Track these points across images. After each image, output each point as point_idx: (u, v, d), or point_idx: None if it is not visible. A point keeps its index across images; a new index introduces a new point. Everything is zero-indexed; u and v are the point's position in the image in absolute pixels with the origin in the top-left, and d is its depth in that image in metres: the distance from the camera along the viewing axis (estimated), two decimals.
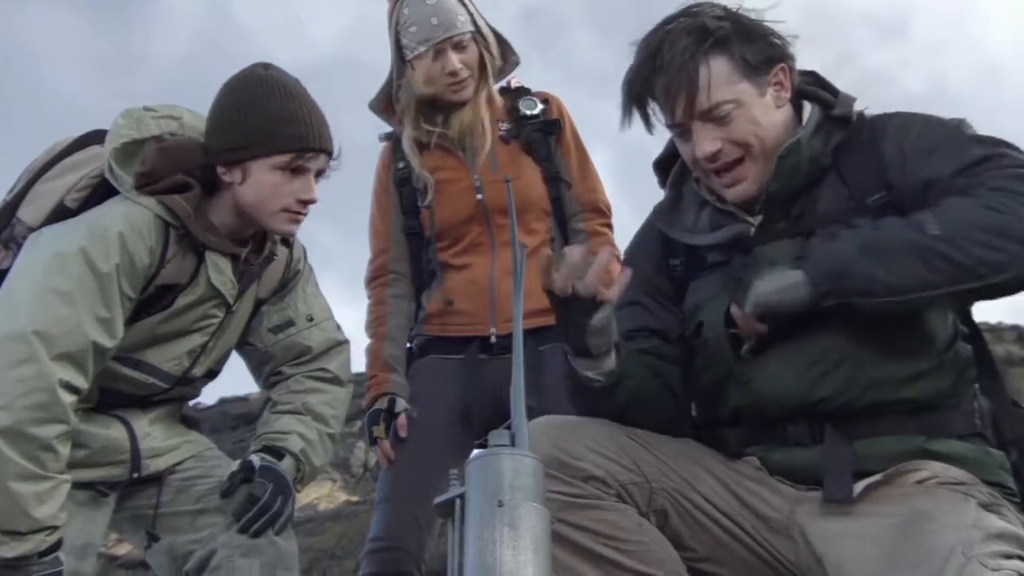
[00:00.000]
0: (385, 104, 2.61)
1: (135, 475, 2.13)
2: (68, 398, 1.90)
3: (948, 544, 1.40)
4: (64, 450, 1.91)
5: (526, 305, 1.39)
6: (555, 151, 2.55)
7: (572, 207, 2.56)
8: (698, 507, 1.66)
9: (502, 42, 2.58)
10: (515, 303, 1.33)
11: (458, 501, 1.12)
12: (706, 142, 1.65)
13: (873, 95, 2.14)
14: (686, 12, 1.69)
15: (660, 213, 1.85)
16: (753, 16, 1.69)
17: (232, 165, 2.08)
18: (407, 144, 2.55)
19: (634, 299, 1.82)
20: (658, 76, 1.66)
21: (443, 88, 2.49)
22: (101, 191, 2.10)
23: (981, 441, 1.61)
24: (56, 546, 1.90)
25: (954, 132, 1.62)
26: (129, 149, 2.07)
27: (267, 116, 2.06)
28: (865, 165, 1.65)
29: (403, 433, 2.40)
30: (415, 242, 2.58)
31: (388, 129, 2.66)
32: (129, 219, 2.00)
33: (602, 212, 2.58)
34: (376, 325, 2.55)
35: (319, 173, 2.11)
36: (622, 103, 1.73)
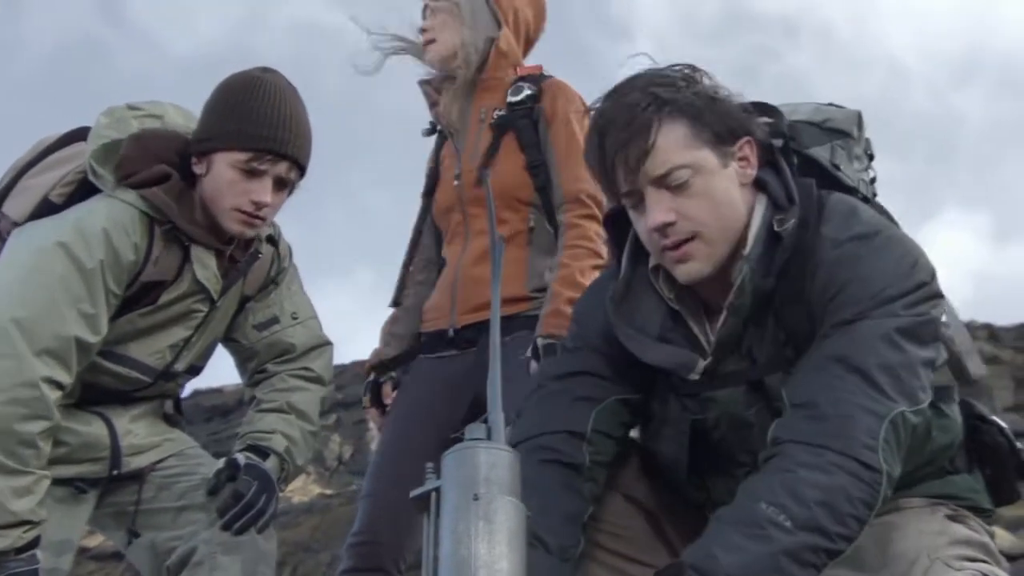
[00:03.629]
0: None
1: (115, 472, 2.12)
2: (52, 394, 1.90)
3: (914, 549, 1.44)
4: (46, 446, 1.91)
5: (488, 295, 1.39)
6: (544, 138, 2.46)
7: (556, 197, 2.45)
8: (687, 519, 1.68)
9: (491, 29, 2.55)
10: (493, 298, 1.33)
11: (433, 494, 1.13)
12: (659, 211, 1.51)
13: (789, 96, 2.05)
14: (650, 79, 1.57)
15: (613, 300, 1.66)
16: (722, 89, 1.58)
17: (200, 156, 2.08)
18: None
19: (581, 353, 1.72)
20: (611, 140, 1.54)
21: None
22: (87, 187, 2.09)
23: (948, 473, 1.61)
24: (34, 543, 1.89)
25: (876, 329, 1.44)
26: (110, 149, 2.06)
27: (237, 112, 2.06)
28: (799, 308, 1.52)
29: (387, 401, 2.52)
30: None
31: None
32: (113, 215, 1.99)
33: (583, 203, 2.41)
34: (394, 304, 2.65)
35: (283, 182, 2.10)
36: (592, 176, 1.66)
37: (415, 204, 2.71)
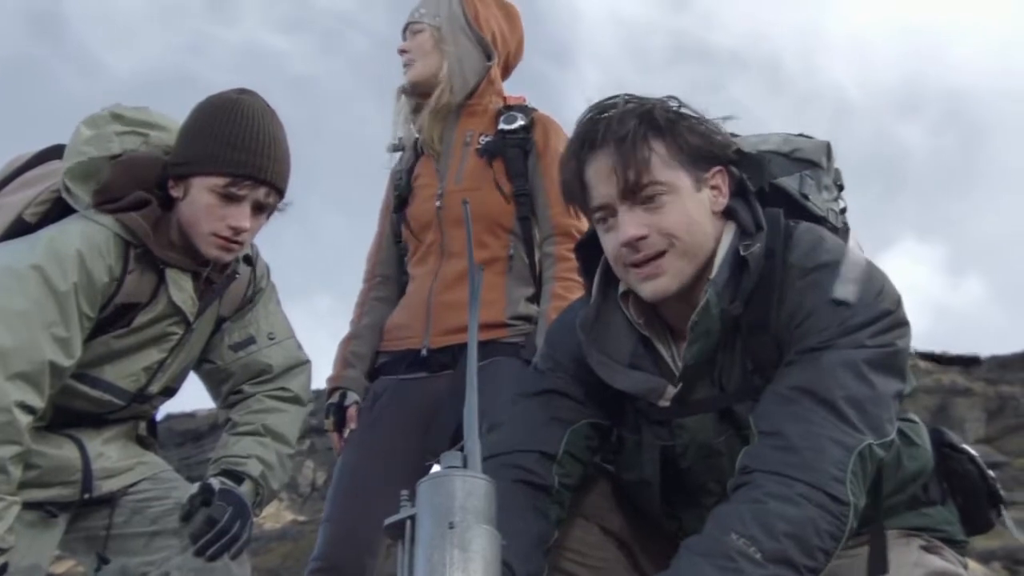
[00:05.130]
0: None
1: (86, 496, 2.09)
2: (24, 419, 1.87)
3: None
4: (16, 471, 1.88)
5: (465, 319, 1.40)
6: (533, 170, 2.49)
7: (544, 229, 2.48)
8: (660, 549, 1.67)
9: (478, 57, 2.57)
10: (470, 326, 1.32)
11: (408, 522, 1.12)
12: (632, 225, 1.52)
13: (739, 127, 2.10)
14: (630, 98, 1.60)
15: (584, 325, 1.66)
16: (701, 114, 1.60)
17: (178, 180, 2.07)
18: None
19: (554, 376, 1.72)
20: (591, 152, 1.56)
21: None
22: (60, 206, 2.08)
23: (922, 504, 1.63)
24: (2, 569, 1.86)
25: (843, 360, 1.44)
26: (85, 168, 2.04)
27: (214, 137, 2.05)
28: (766, 336, 1.53)
29: (352, 425, 2.47)
30: (402, 247, 2.65)
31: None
32: (87, 237, 1.97)
33: (573, 237, 2.40)
34: (351, 324, 2.63)
35: (261, 206, 2.09)
36: (562, 192, 1.67)
37: (370, 228, 2.74)
